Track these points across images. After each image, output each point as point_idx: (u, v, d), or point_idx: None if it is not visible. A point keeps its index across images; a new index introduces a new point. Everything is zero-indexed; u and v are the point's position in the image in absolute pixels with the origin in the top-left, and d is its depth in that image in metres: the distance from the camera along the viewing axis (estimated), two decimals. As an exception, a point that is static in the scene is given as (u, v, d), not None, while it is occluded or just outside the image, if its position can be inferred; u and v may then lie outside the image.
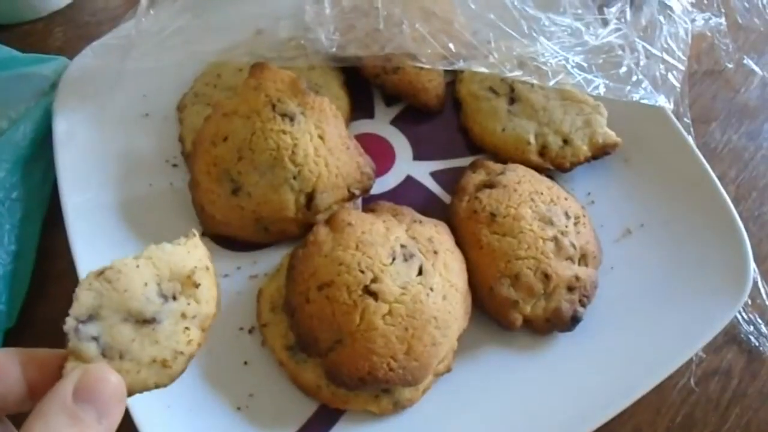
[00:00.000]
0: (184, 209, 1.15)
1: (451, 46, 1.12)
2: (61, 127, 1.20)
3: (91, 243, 1.08)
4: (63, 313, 1.01)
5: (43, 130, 1.23)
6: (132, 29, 1.22)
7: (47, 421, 0.56)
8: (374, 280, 0.95)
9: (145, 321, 0.66)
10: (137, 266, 0.66)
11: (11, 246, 1.14)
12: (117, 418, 0.60)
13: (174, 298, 0.68)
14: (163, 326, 0.66)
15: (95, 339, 0.63)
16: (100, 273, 0.65)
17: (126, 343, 0.64)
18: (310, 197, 1.08)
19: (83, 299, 0.64)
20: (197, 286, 0.69)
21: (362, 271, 0.95)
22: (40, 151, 1.23)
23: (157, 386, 0.66)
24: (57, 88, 1.24)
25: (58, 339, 0.98)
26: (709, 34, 1.30)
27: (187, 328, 0.68)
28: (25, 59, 1.30)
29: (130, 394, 0.64)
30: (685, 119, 1.23)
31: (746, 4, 1.31)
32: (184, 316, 0.68)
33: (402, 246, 0.99)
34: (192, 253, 0.71)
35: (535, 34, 1.14)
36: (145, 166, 1.20)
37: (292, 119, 1.06)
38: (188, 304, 0.69)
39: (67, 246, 1.08)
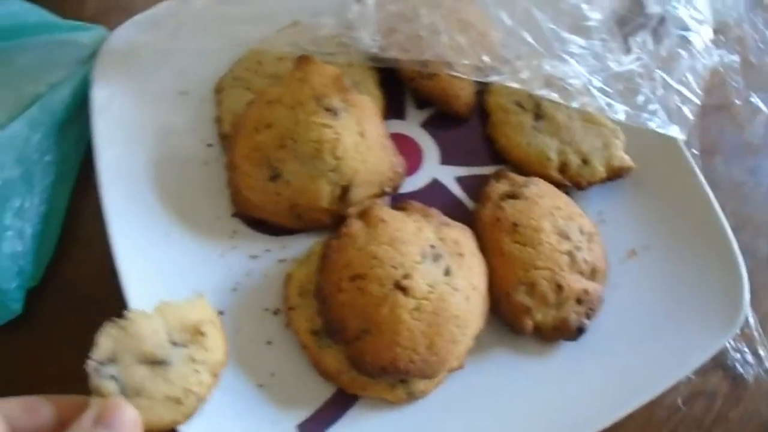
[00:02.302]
0: (216, 187, 1.18)
1: (485, 58, 1.15)
2: (99, 97, 1.21)
3: (123, 211, 1.11)
4: (86, 277, 1.07)
5: (80, 97, 1.25)
6: (179, 8, 1.25)
7: None
8: (405, 276, 0.98)
9: (157, 362, 0.72)
10: (148, 317, 0.75)
11: (41, 207, 1.17)
12: None
13: (184, 345, 0.74)
14: (174, 368, 0.73)
15: (114, 378, 0.69)
16: (118, 324, 0.74)
17: (141, 382, 0.72)
18: (345, 190, 1.11)
19: (102, 344, 0.72)
20: (203, 335, 0.75)
21: (394, 267, 0.99)
22: (75, 118, 1.25)
23: (173, 423, 0.74)
24: (96, 58, 1.26)
25: (79, 301, 1.02)
26: (721, 70, 1.33)
27: (196, 370, 0.75)
28: (66, 25, 1.31)
29: (147, 429, 0.71)
30: (693, 150, 1.27)
31: (761, 45, 1.35)
32: (193, 360, 0.75)
33: (431, 246, 1.03)
34: (198, 309, 0.78)
35: (565, 56, 1.16)
36: (180, 143, 1.22)
37: (335, 114, 1.10)
38: (197, 350, 0.75)
39: (96, 212, 1.11)
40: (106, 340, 0.72)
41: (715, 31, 1.27)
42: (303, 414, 1.02)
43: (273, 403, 1.02)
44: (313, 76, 1.13)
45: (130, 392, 0.70)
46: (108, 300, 0.99)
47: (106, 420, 0.66)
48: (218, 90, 1.27)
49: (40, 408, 0.69)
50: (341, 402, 1.04)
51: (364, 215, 1.07)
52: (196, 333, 0.76)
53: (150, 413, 0.71)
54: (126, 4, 1.47)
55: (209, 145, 1.24)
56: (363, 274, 0.99)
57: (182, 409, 0.73)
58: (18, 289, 1.10)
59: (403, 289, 0.98)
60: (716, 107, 1.44)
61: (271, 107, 1.12)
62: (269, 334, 1.07)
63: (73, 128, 1.26)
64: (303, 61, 1.15)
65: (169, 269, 1.09)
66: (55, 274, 1.17)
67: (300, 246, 1.15)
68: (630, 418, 1.03)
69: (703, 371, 1.17)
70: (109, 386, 0.70)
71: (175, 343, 0.75)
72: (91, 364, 0.70)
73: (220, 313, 1.05)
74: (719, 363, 1.18)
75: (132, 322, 0.74)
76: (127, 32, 1.30)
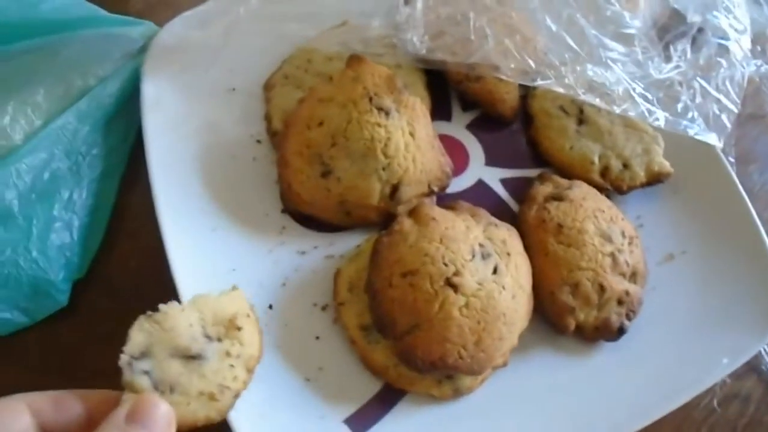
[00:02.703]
0: (265, 184, 1.20)
1: (531, 63, 1.17)
2: (149, 91, 1.23)
3: (173, 205, 1.12)
4: (131, 270, 1.09)
5: (128, 91, 1.27)
6: (232, 6, 1.29)
7: None
8: (456, 274, 1.00)
9: (191, 357, 0.72)
10: (182, 310, 0.75)
11: (89, 200, 1.19)
12: None
13: (219, 339, 0.75)
14: (209, 362, 0.74)
15: (147, 373, 0.70)
16: (150, 316, 0.73)
17: (175, 377, 0.72)
18: (395, 188, 1.13)
19: (135, 338, 0.72)
20: (239, 329, 0.76)
21: (446, 264, 1.01)
22: (123, 112, 1.27)
23: (207, 420, 0.74)
24: (147, 53, 1.28)
25: (123, 293, 1.04)
26: (757, 79, 1.35)
27: (232, 365, 0.75)
28: (114, 20, 1.32)
29: (181, 425, 0.71)
30: (730, 158, 1.28)
31: (796, 57, 1.36)
32: (228, 354, 0.75)
33: (480, 245, 1.05)
34: (234, 302, 0.78)
35: (608, 62, 1.18)
36: (229, 139, 1.24)
37: (387, 113, 1.12)
38: (232, 344, 0.76)
39: (142, 207, 1.14)
40: (139, 334, 0.72)
41: (752, 41, 1.28)
42: (350, 408, 1.03)
43: (320, 397, 1.03)
44: (366, 76, 1.15)
45: (164, 387, 0.70)
46: (153, 293, 0.99)
47: (138, 417, 0.66)
48: (268, 87, 1.29)
49: (69, 403, 0.69)
50: (388, 397, 1.05)
51: (414, 213, 1.08)
52: (232, 327, 0.76)
53: (184, 409, 0.70)
54: (171, 0, 1.48)
55: (258, 142, 1.26)
56: (414, 271, 1.01)
57: (217, 405, 0.73)
58: (64, 281, 1.12)
59: (454, 286, 1.00)
60: (751, 116, 1.46)
61: (323, 105, 1.14)
62: (317, 329, 1.09)
63: (121, 122, 1.28)
64: (356, 60, 1.17)
65: (219, 263, 1.11)
66: (100, 267, 1.18)
67: (347, 243, 1.17)
68: (666, 418, 1.04)
69: (737, 375, 1.18)
70: (143, 381, 0.69)
71: (210, 337, 0.74)
72: (123, 359, 0.69)
73: (269, 307, 1.08)
74: (753, 367, 1.20)
75: (166, 316, 0.73)
76: (177, 28, 1.31)
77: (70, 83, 1.24)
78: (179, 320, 0.73)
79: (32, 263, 1.09)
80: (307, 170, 1.13)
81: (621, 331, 1.10)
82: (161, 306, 0.74)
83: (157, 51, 1.29)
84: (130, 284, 1.16)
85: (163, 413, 0.67)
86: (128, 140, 1.28)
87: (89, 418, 0.69)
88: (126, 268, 1.18)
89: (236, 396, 0.75)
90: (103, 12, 1.32)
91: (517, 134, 1.34)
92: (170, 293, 1.00)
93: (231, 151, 1.23)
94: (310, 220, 1.17)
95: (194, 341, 0.73)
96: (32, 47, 1.23)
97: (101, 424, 0.65)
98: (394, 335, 1.01)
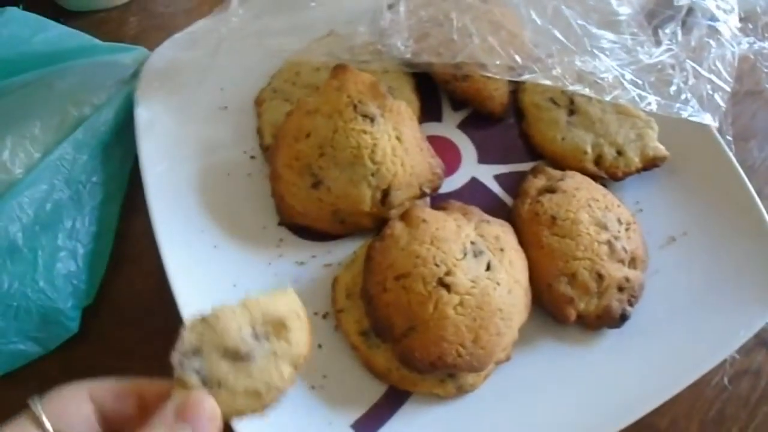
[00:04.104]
0: (261, 198, 1.21)
1: (517, 58, 1.17)
2: (143, 116, 1.25)
3: (172, 226, 1.14)
4: (138, 293, 1.11)
5: (123, 118, 1.29)
6: (217, 25, 1.28)
7: None
8: (448, 273, 1.01)
9: (240, 358, 0.74)
10: (233, 312, 0.75)
11: (92, 227, 1.21)
12: None
13: (267, 340, 0.76)
14: (256, 363, 0.75)
15: (197, 371, 0.71)
16: (203, 318, 0.74)
17: (223, 376, 0.73)
18: (386, 193, 1.13)
19: (188, 338, 0.73)
20: (288, 330, 0.77)
21: (437, 265, 1.01)
22: (120, 138, 1.29)
23: (252, 412, 0.74)
24: (139, 78, 1.30)
25: (132, 317, 1.05)
26: (752, 56, 1.34)
27: (278, 365, 0.76)
28: (106, 47, 1.35)
29: (226, 418, 0.73)
30: (727, 136, 1.27)
31: (789, 31, 1.36)
32: (275, 354, 0.76)
33: (472, 243, 1.05)
34: (284, 302, 0.79)
35: (595, 51, 1.18)
36: (224, 157, 1.26)
37: (372, 120, 1.13)
38: (279, 345, 0.77)
39: (145, 229, 1.14)
40: (191, 334, 0.73)
41: (744, 19, 1.28)
42: (356, 413, 1.04)
43: (327, 404, 1.04)
44: (350, 84, 1.16)
45: (212, 384, 0.71)
46: (161, 314, 1.02)
47: (186, 414, 0.68)
48: (258, 102, 1.31)
49: (127, 393, 0.71)
50: (393, 399, 1.06)
51: (405, 216, 1.09)
52: (281, 327, 0.77)
53: (229, 406, 0.72)
54: (165, 23, 1.52)
55: (252, 157, 1.27)
56: (407, 274, 1.02)
57: (262, 402, 0.74)
58: (73, 309, 1.13)
59: (447, 286, 1.01)
60: (749, 93, 1.46)
61: (309, 117, 1.15)
62: (319, 337, 1.09)
63: (119, 148, 1.29)
64: (339, 69, 1.18)
65: (219, 280, 1.12)
66: (108, 292, 1.20)
67: (344, 250, 1.18)
68: (677, 398, 1.04)
69: (747, 350, 1.18)
70: (192, 379, 0.71)
71: (258, 338, 0.76)
72: (175, 356, 0.71)
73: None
74: (762, 341, 1.20)
75: (217, 319, 0.74)
76: (168, 51, 1.33)
77: (66, 114, 1.25)
78: (230, 322, 0.74)
79: (40, 293, 1.11)
80: (298, 182, 1.14)
81: (623, 318, 1.10)
82: (214, 307, 0.75)
83: (149, 75, 1.30)
84: (138, 307, 1.18)
85: (209, 410, 0.69)
86: (127, 166, 1.30)
87: (143, 408, 0.71)
88: (133, 291, 1.20)
89: (281, 393, 0.77)
90: (95, 41, 1.34)
91: (509, 130, 1.35)
92: (178, 313, 1.02)
93: (226, 169, 1.25)
94: (306, 231, 1.18)
95: (243, 342, 0.74)
96: (27, 81, 1.25)
97: (151, 417, 0.68)
98: (392, 338, 1.02)
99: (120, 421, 0.71)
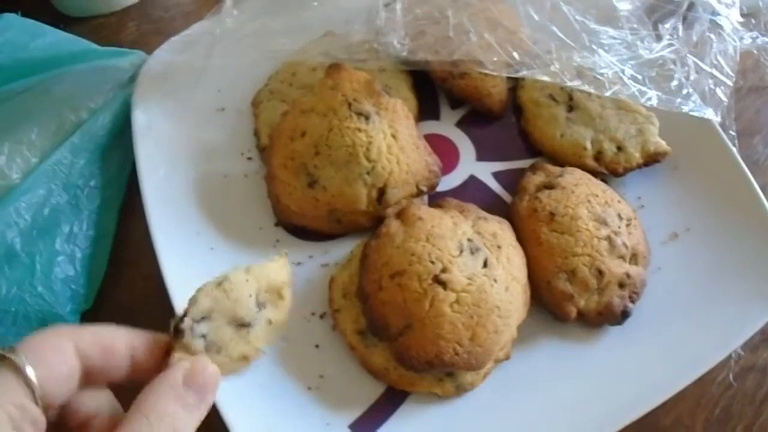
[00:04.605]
0: (258, 199, 1.20)
1: (515, 54, 1.17)
2: (140, 119, 1.25)
3: (169, 229, 1.14)
4: (137, 297, 1.11)
5: (120, 121, 1.29)
6: (212, 27, 1.28)
7: (158, 397, 0.65)
8: (443, 271, 1.00)
9: (243, 325, 0.73)
10: (246, 280, 0.76)
11: (90, 231, 1.20)
12: (211, 404, 0.69)
13: (265, 307, 0.76)
14: (254, 329, 0.75)
15: (203, 336, 0.71)
16: (219, 284, 0.75)
17: (225, 342, 0.73)
18: (382, 192, 1.13)
19: (202, 303, 0.73)
20: (282, 298, 0.77)
21: (432, 262, 1.01)
22: (117, 142, 1.28)
23: (233, 373, 0.74)
24: (136, 81, 1.30)
25: (131, 320, 1.04)
26: (755, 52, 1.33)
27: (269, 332, 0.76)
28: (103, 52, 1.35)
29: None
30: (731, 132, 1.26)
31: (792, 26, 1.35)
32: (270, 322, 0.76)
33: (468, 240, 1.04)
34: (281, 271, 0.79)
35: (594, 47, 1.17)
36: (221, 158, 1.26)
37: (367, 118, 1.12)
38: (274, 312, 0.77)
39: (142, 234, 1.14)
40: (205, 299, 0.73)
41: (747, 15, 1.28)
42: (355, 413, 1.04)
43: (324, 405, 1.04)
44: (344, 83, 1.16)
45: (213, 348, 0.72)
46: (159, 318, 1.00)
47: (193, 381, 0.67)
48: (255, 104, 1.31)
49: (114, 347, 0.68)
50: (392, 399, 1.05)
51: (401, 215, 1.09)
52: (278, 296, 0.77)
53: (225, 369, 0.72)
54: (163, 28, 1.51)
55: (249, 159, 1.27)
56: (402, 271, 1.01)
57: (246, 364, 0.75)
58: (72, 313, 1.13)
59: (443, 283, 1.00)
60: (753, 89, 1.45)
61: (304, 116, 1.15)
62: (317, 337, 1.09)
63: (117, 152, 1.29)
64: (334, 68, 1.18)
65: (216, 282, 1.10)
66: (107, 296, 1.19)
67: (341, 250, 1.17)
68: (683, 395, 1.04)
69: (752, 347, 1.17)
70: (198, 344, 0.71)
71: (259, 306, 0.76)
72: (187, 322, 0.70)
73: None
74: (768, 338, 1.17)
75: (232, 285, 0.75)
76: (165, 54, 1.33)
77: (63, 119, 1.25)
78: (243, 291, 0.75)
79: (38, 298, 1.10)
80: (294, 182, 1.14)
81: (625, 315, 1.09)
82: (228, 274, 0.75)
83: (146, 79, 1.30)
84: (137, 311, 1.17)
85: (213, 378, 0.69)
86: (125, 170, 1.30)
87: (133, 363, 0.69)
88: (131, 295, 1.19)
89: (262, 355, 0.77)
90: (92, 45, 1.34)
91: (508, 127, 1.34)
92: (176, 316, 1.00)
93: (223, 170, 1.24)
94: (302, 232, 1.18)
95: (249, 311, 0.74)
96: (25, 86, 1.25)
97: (156, 380, 0.66)
98: (388, 337, 1.01)
99: (103, 380, 0.69)
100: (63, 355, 0.64)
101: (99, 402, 0.70)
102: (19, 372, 0.60)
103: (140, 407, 0.64)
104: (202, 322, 0.72)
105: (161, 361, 0.70)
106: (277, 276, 0.78)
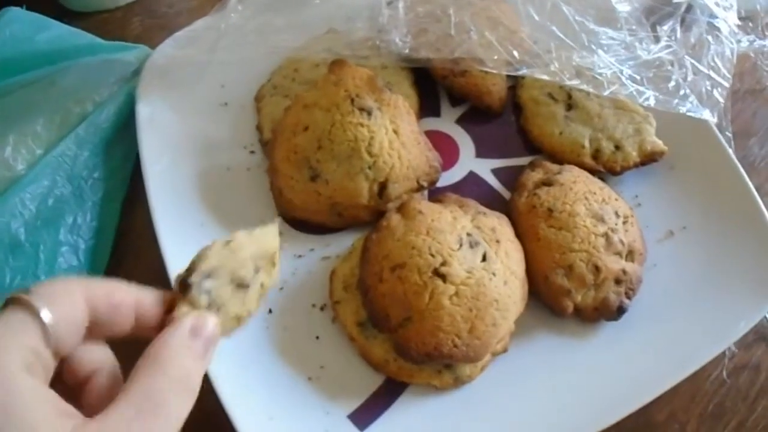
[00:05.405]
0: (260, 193, 1.22)
1: (515, 53, 1.18)
2: (144, 112, 1.26)
3: (172, 221, 1.15)
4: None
5: (125, 114, 1.30)
6: (216, 23, 1.29)
7: (170, 348, 0.66)
8: (443, 264, 1.01)
9: (242, 286, 0.75)
10: (250, 243, 0.76)
11: (93, 222, 1.22)
12: (213, 355, 0.70)
13: (258, 271, 0.78)
14: (249, 292, 0.76)
15: (208, 293, 0.72)
16: (227, 243, 0.76)
17: (225, 300, 0.74)
18: (383, 186, 1.14)
19: (212, 260, 0.73)
20: (274, 264, 0.79)
21: (432, 255, 1.02)
22: (121, 135, 1.30)
23: (225, 335, 0.76)
24: (140, 75, 1.31)
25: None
26: (752, 55, 1.34)
27: (260, 295, 0.78)
28: (108, 46, 1.36)
29: None
30: (727, 133, 1.27)
31: (789, 30, 1.37)
32: (262, 286, 0.78)
33: (468, 234, 1.06)
34: (271, 237, 0.81)
35: (593, 47, 1.19)
36: (224, 152, 1.27)
37: (369, 113, 1.14)
38: (266, 276, 0.78)
39: (146, 225, 1.15)
40: (215, 256, 0.74)
41: (745, 18, 1.29)
42: (353, 404, 1.05)
43: (324, 395, 1.05)
44: (347, 79, 1.17)
45: (213, 306, 0.73)
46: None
47: (199, 333, 0.68)
48: (258, 99, 1.32)
49: (123, 301, 0.68)
50: (390, 390, 1.06)
51: (401, 209, 1.10)
52: (269, 262, 0.79)
53: (221, 327, 0.74)
54: (168, 23, 1.53)
55: (252, 152, 1.28)
56: (402, 264, 1.02)
57: (236, 325, 0.76)
58: (75, 304, 1.13)
59: (442, 276, 1.01)
60: (749, 91, 1.46)
61: (307, 111, 1.16)
62: (317, 329, 1.10)
63: (120, 145, 1.31)
64: (337, 64, 1.19)
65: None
66: (109, 287, 1.19)
67: (343, 243, 1.18)
68: (677, 392, 1.06)
69: (746, 344, 1.18)
70: (203, 300, 0.72)
71: (256, 269, 0.77)
72: (196, 277, 0.72)
73: (269, 311, 1.10)
74: (761, 336, 1.19)
75: (240, 245, 0.76)
76: (169, 49, 1.35)
77: (68, 111, 1.27)
78: (246, 252, 0.76)
79: (41, 288, 1.10)
80: (296, 175, 1.15)
81: (621, 311, 1.10)
82: (235, 235, 0.77)
83: (150, 72, 1.32)
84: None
85: (214, 330, 0.70)
86: (129, 162, 1.31)
87: (136, 316, 0.69)
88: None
89: (250, 317, 0.78)
90: (97, 39, 1.35)
91: (508, 125, 1.35)
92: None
93: (226, 164, 1.26)
94: (304, 224, 1.19)
95: (249, 272, 0.76)
96: (30, 79, 1.26)
97: (166, 332, 0.67)
98: (388, 329, 1.02)
99: (105, 334, 0.69)
100: (75, 302, 0.64)
101: (101, 357, 0.70)
102: (35, 314, 0.60)
103: (157, 359, 0.64)
104: (208, 278, 0.73)
105: (163, 317, 0.70)
106: (272, 242, 0.80)
